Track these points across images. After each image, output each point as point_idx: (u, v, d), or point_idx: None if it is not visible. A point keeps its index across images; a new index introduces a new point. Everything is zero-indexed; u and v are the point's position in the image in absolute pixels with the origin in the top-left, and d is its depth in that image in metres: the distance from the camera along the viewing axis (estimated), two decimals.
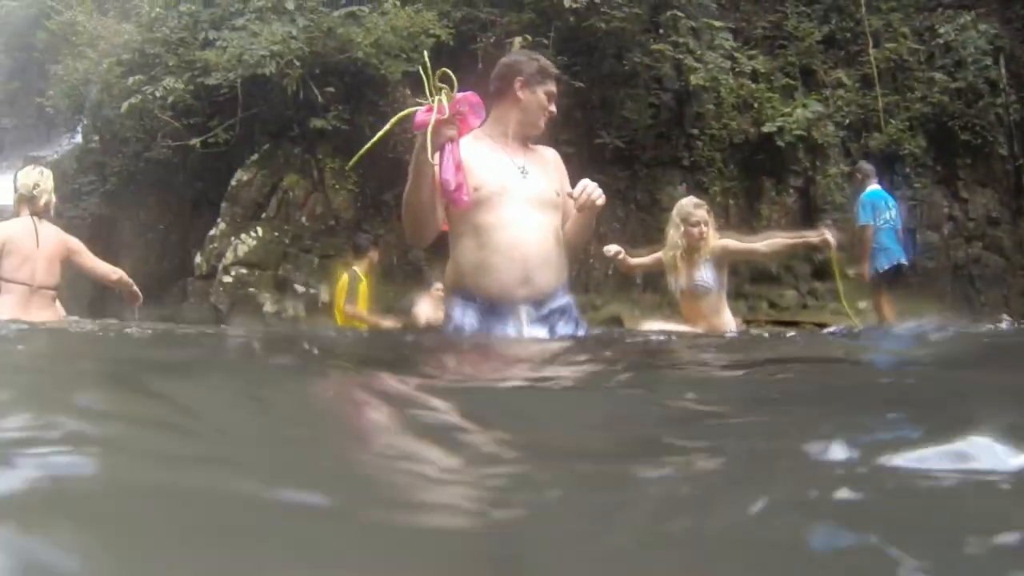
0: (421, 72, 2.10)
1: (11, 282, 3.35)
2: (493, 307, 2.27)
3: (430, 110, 2.06)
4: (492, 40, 9.85)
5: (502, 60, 2.53)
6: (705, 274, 3.78)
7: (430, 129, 2.02)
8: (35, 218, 3.43)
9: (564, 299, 2.41)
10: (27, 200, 3.40)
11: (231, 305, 9.97)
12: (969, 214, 11.25)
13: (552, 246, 2.35)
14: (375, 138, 2.17)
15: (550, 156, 2.51)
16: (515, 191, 2.31)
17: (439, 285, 6.89)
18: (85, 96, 11.86)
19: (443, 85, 2.09)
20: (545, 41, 9.73)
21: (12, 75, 17.12)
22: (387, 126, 2.19)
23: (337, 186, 10.23)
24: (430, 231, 2.31)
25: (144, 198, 11.32)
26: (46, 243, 3.41)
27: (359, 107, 10.20)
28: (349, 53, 9.92)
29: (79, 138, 12.45)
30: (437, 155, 2.09)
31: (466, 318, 2.29)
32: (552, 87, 2.44)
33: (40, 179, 3.45)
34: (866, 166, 7.29)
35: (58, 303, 3.66)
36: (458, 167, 2.13)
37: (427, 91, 2.09)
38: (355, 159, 2.34)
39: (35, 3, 15.76)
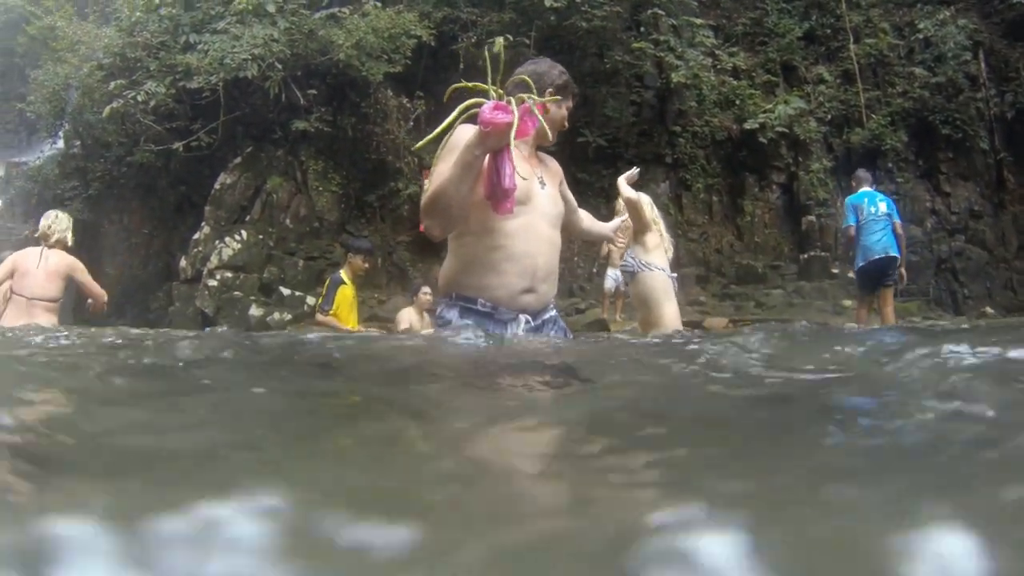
0: (488, 63, 2.05)
1: (17, 295, 4.63)
2: (493, 313, 2.24)
3: (498, 107, 2.00)
4: (473, 40, 9.84)
5: (529, 66, 2.38)
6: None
7: (514, 131, 1.97)
8: (44, 248, 4.78)
9: (553, 310, 2.44)
10: (43, 236, 4.83)
11: (217, 309, 9.93)
12: (952, 208, 11.33)
13: (556, 260, 2.37)
14: (443, 125, 2.12)
15: (555, 168, 2.50)
16: (535, 201, 2.29)
17: (427, 289, 6.74)
18: (66, 101, 11.76)
19: (528, 94, 2.07)
20: (526, 40, 9.73)
21: None
22: (453, 115, 2.11)
23: (320, 188, 10.19)
24: (457, 224, 2.26)
25: (127, 203, 11.24)
26: (46, 265, 4.69)
27: (341, 108, 10.17)
28: (330, 55, 9.89)
29: (61, 143, 12.33)
30: (488, 155, 2.06)
31: (464, 322, 2.23)
32: (571, 104, 2.43)
33: (53, 222, 4.84)
34: (860, 174, 7.14)
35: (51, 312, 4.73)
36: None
37: (489, 82, 2.07)
38: (423, 142, 2.28)
39: (14, 8, 15.65)
